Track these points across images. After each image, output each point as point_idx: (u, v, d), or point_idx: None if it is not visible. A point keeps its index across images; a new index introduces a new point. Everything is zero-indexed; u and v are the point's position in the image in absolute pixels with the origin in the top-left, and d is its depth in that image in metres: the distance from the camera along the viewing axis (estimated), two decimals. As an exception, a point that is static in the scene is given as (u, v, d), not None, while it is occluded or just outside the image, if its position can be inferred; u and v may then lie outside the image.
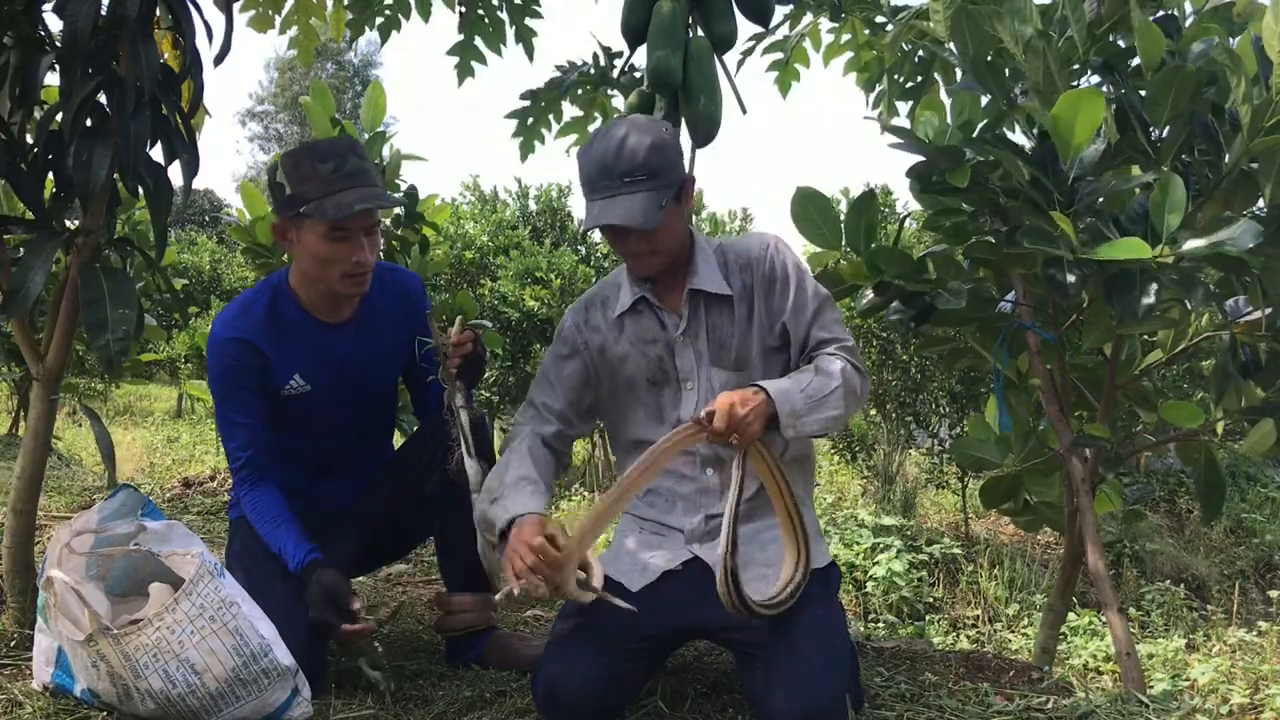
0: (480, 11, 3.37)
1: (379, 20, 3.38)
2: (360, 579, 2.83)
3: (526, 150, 3.49)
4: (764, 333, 1.93)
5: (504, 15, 3.40)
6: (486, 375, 5.85)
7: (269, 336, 2.03)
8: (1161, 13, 2.21)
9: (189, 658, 1.69)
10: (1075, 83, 2.16)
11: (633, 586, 1.88)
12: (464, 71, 3.47)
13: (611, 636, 1.80)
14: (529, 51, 3.47)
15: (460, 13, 3.37)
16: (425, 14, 3.40)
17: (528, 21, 3.42)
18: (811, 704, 1.66)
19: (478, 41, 3.43)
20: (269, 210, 2.98)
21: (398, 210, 3.30)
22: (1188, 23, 2.19)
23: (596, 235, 8.62)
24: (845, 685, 1.75)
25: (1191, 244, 1.88)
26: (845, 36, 3.46)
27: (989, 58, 2.22)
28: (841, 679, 1.75)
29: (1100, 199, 2.05)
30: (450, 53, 3.45)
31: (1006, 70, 2.22)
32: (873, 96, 3.36)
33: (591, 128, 3.50)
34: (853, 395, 1.85)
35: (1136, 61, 2.11)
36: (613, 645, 1.79)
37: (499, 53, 3.47)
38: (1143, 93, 2.03)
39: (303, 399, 2.08)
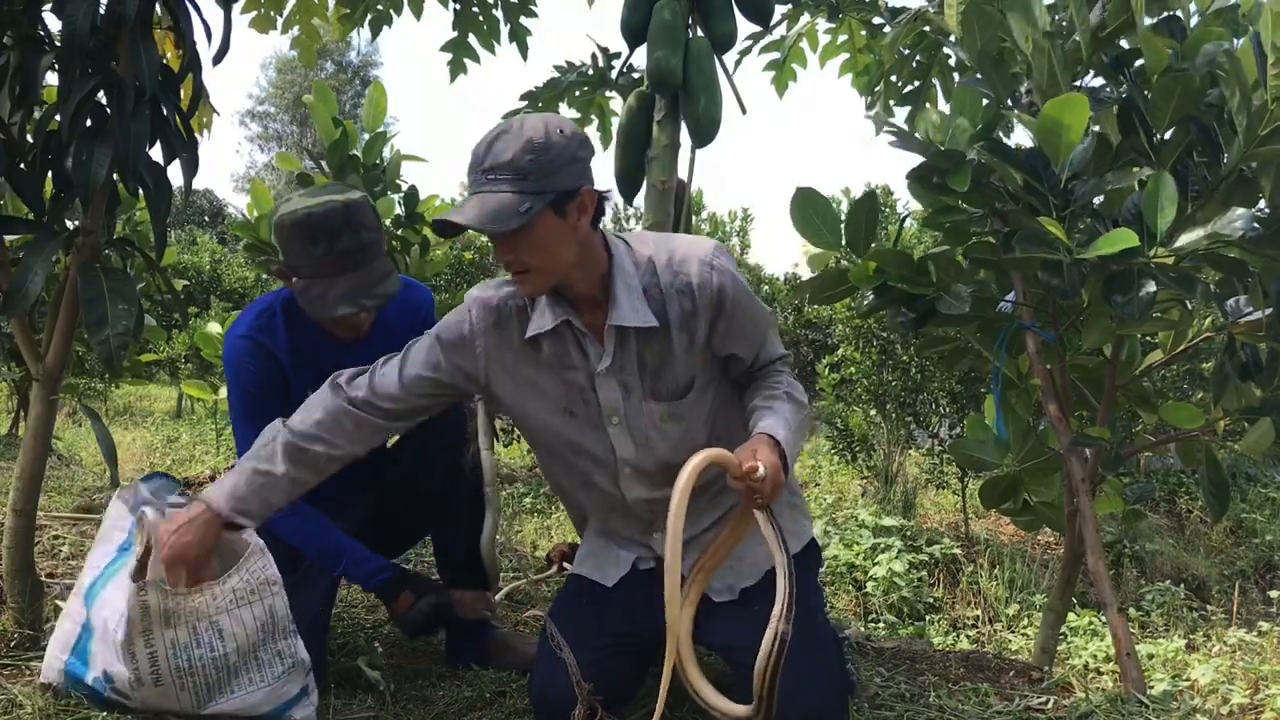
0: (475, 9, 3.37)
1: (370, 17, 3.38)
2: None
3: (525, 150, 3.48)
4: (707, 360, 1.76)
5: (499, 13, 3.40)
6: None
7: (286, 348, 2.05)
8: (1166, 14, 2.21)
9: (220, 622, 1.74)
10: (1078, 84, 2.17)
11: (607, 582, 1.84)
12: (457, 68, 3.47)
13: (594, 633, 1.78)
14: (523, 50, 3.48)
15: (454, 10, 3.37)
16: (418, 11, 3.40)
17: (522, 20, 3.42)
18: (813, 705, 1.64)
19: (471, 39, 3.43)
20: (273, 207, 2.98)
21: (398, 210, 3.31)
22: (1193, 23, 2.19)
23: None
24: (844, 683, 1.75)
25: (1186, 238, 1.88)
26: (842, 37, 3.46)
27: (996, 55, 2.22)
28: (834, 674, 1.74)
29: (1096, 199, 2.05)
30: (444, 49, 3.45)
31: (1012, 69, 2.23)
32: (869, 99, 3.36)
33: (589, 129, 3.51)
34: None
35: (1140, 63, 2.11)
36: (595, 645, 1.77)
37: (492, 50, 3.47)
38: (1147, 94, 2.03)
39: None
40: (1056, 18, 2.19)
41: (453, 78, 3.49)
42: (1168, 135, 2.05)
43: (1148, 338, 2.45)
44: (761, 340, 1.80)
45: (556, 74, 3.36)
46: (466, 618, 2.15)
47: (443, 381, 1.78)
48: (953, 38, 2.36)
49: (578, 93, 3.36)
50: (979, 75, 2.25)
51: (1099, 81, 2.26)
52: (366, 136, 3.40)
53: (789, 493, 1.85)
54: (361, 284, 1.94)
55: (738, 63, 3.47)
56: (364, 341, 2.12)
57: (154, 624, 1.71)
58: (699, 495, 1.72)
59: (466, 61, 3.45)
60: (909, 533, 5.69)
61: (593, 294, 1.71)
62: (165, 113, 2.06)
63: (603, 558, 1.89)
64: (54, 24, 2.03)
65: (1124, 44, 2.23)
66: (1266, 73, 1.83)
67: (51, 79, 2.08)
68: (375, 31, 3.43)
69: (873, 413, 7.00)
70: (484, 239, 8.39)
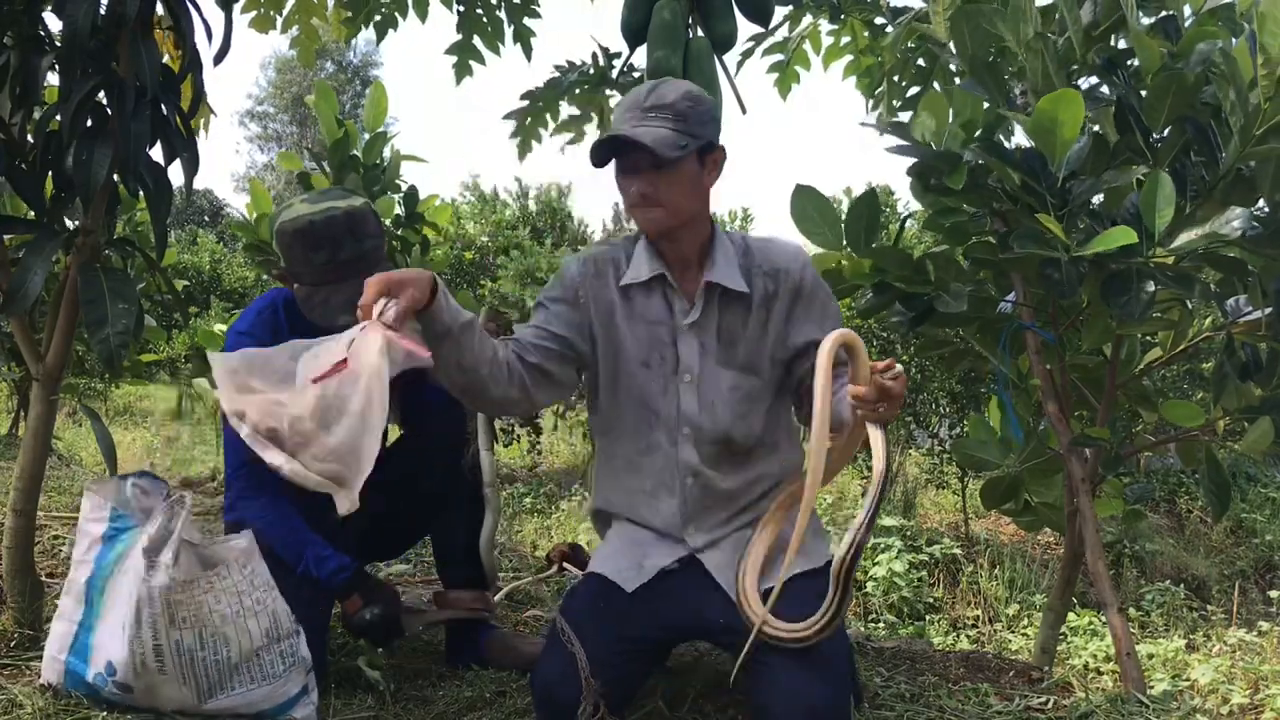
0: (479, 11, 3.37)
1: (375, 19, 3.38)
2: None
3: (524, 150, 3.49)
4: (778, 344, 1.85)
5: (502, 15, 3.40)
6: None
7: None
8: (1163, 13, 2.21)
9: (226, 633, 1.74)
10: (1074, 83, 2.16)
11: (628, 587, 1.82)
12: (462, 71, 3.47)
13: (608, 634, 1.76)
14: (527, 51, 3.48)
15: (459, 12, 3.38)
16: (422, 14, 3.40)
17: (526, 21, 3.43)
18: (814, 706, 1.64)
19: (476, 41, 3.43)
20: (272, 207, 2.98)
21: (398, 210, 3.31)
22: (1188, 23, 2.19)
23: (595, 231, 8.62)
24: (846, 684, 1.75)
25: (1184, 237, 1.88)
26: (845, 39, 3.46)
27: (989, 58, 2.22)
28: (842, 679, 1.73)
29: (1094, 198, 2.05)
30: (448, 52, 3.45)
31: (1007, 71, 2.23)
32: (872, 101, 3.36)
33: (588, 126, 3.51)
34: None
35: (1136, 62, 2.11)
36: (608, 647, 1.75)
37: (497, 52, 3.47)
38: (1142, 93, 2.03)
39: None
40: (1057, 16, 2.19)
41: (458, 80, 3.49)
42: (1164, 134, 2.05)
43: (1147, 337, 2.45)
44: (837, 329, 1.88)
45: (557, 74, 3.36)
46: (463, 617, 2.16)
47: (559, 335, 1.83)
48: (948, 45, 2.36)
49: (578, 92, 3.36)
50: (973, 80, 2.25)
51: (1094, 81, 2.26)
52: (367, 136, 3.40)
53: (813, 517, 1.87)
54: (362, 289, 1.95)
55: (740, 65, 3.47)
56: None
57: (159, 616, 1.72)
58: (731, 501, 1.85)
59: (471, 63, 3.46)
60: (909, 533, 5.70)
61: (690, 255, 1.84)
62: (166, 113, 2.06)
63: (626, 561, 1.86)
64: (55, 24, 2.04)
65: (1119, 43, 2.23)
66: (1258, 71, 1.83)
67: (52, 79, 2.08)
68: (380, 35, 3.43)
69: (873, 413, 7.00)
70: (485, 238, 8.40)
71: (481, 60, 3.46)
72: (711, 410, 1.83)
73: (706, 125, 1.78)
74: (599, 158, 1.76)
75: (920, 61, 2.98)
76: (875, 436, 1.66)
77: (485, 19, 3.39)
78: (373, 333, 1.49)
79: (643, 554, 1.86)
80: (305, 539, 2.00)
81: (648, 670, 1.89)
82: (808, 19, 3.45)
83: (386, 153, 3.43)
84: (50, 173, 2.07)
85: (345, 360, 1.49)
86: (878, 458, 1.64)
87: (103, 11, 1.97)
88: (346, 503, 1.51)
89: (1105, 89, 2.23)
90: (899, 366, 1.61)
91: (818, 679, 1.65)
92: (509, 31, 3.44)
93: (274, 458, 1.54)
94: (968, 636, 5.00)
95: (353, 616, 2.01)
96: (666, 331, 1.84)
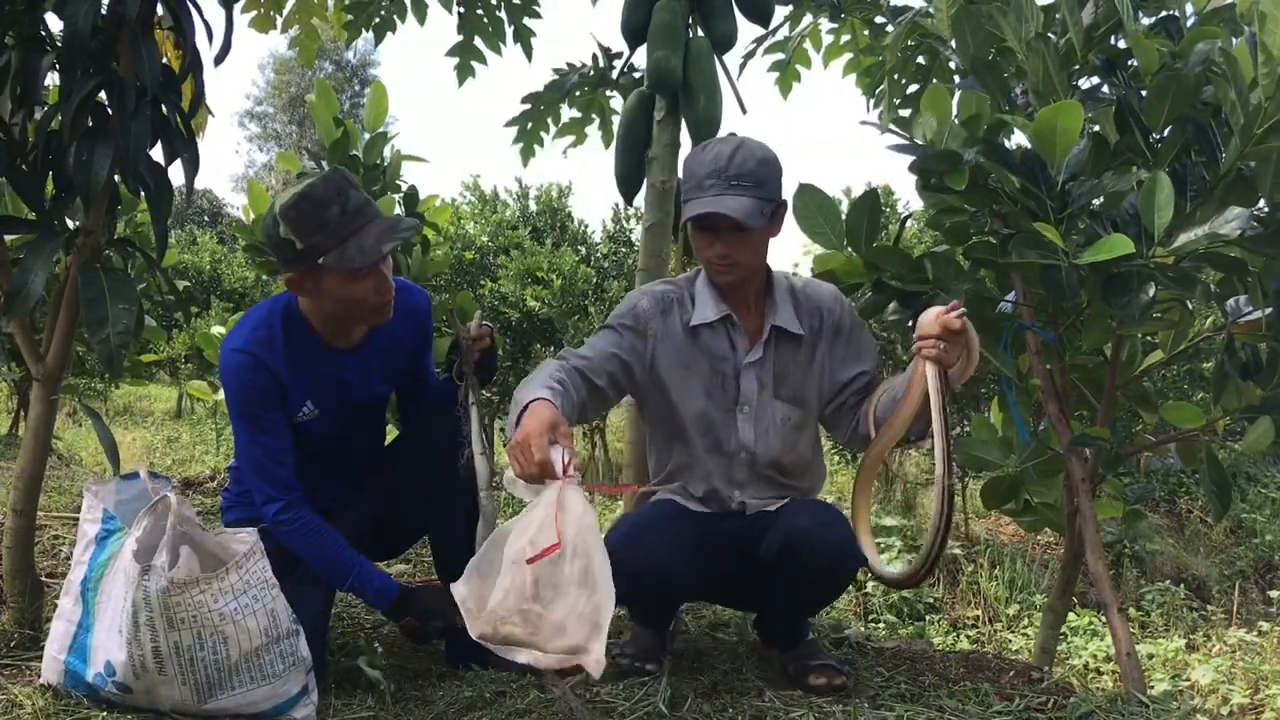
0: (479, 11, 3.37)
1: (375, 21, 3.38)
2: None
3: (527, 155, 3.50)
4: (822, 378, 2.10)
5: (503, 15, 3.40)
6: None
7: (284, 363, 2.02)
8: (1164, 14, 2.20)
9: (225, 631, 1.74)
10: (1074, 83, 2.16)
11: (692, 504, 2.09)
12: (464, 72, 3.47)
13: (683, 518, 2.04)
14: (527, 52, 3.48)
15: (459, 13, 3.37)
16: (421, 17, 3.40)
17: (526, 21, 3.42)
18: (831, 539, 1.93)
19: (477, 41, 3.43)
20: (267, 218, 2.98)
21: (398, 210, 3.30)
22: (1189, 23, 2.19)
23: (595, 231, 8.62)
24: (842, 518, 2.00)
25: (1185, 238, 1.88)
26: (845, 38, 3.46)
27: (990, 57, 2.22)
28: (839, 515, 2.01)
29: (1094, 201, 2.05)
30: (450, 54, 3.45)
31: (1008, 69, 2.22)
32: (872, 100, 3.36)
33: (590, 129, 3.51)
34: None
35: (1134, 62, 2.11)
36: (685, 522, 2.02)
37: (498, 52, 3.47)
38: (1142, 93, 2.03)
39: (312, 422, 2.10)
40: (1057, 16, 2.18)
41: (460, 81, 3.49)
42: (1165, 134, 2.05)
43: (1148, 338, 2.45)
44: (875, 361, 2.16)
45: (557, 75, 3.36)
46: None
47: (622, 359, 2.02)
48: (949, 43, 2.36)
49: (578, 93, 3.36)
50: (974, 79, 2.24)
51: (1095, 81, 2.26)
52: (367, 136, 3.40)
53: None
54: (388, 224, 1.95)
55: (743, 66, 3.47)
56: (364, 348, 2.12)
57: (157, 619, 1.72)
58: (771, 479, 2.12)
59: (473, 64, 3.46)
60: (909, 533, 5.70)
61: (750, 298, 2.08)
62: (166, 113, 2.06)
63: (684, 492, 2.12)
64: (55, 24, 2.04)
65: (1119, 44, 2.22)
66: (1259, 71, 1.83)
67: (53, 79, 2.09)
68: (379, 38, 3.43)
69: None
70: (485, 239, 8.40)
71: (483, 61, 3.46)
72: (766, 438, 2.07)
73: (778, 187, 1.99)
74: (707, 223, 1.95)
75: (920, 60, 2.98)
76: (931, 374, 1.83)
77: (486, 19, 3.39)
78: (570, 495, 1.55)
79: (685, 501, 2.12)
80: (349, 559, 2.04)
81: (709, 572, 2.07)
82: (808, 18, 3.45)
83: (387, 153, 3.42)
84: (51, 173, 2.07)
85: (558, 542, 1.52)
86: (934, 393, 1.82)
87: (103, 12, 1.97)
88: (597, 668, 1.52)
89: (1105, 89, 2.23)
90: (962, 308, 1.82)
91: (815, 511, 2.02)
92: (509, 31, 3.44)
93: (521, 656, 1.55)
94: (968, 636, 5.00)
95: (414, 633, 2.10)
96: (730, 367, 2.06)
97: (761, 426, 2.07)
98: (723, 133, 2.91)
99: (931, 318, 1.85)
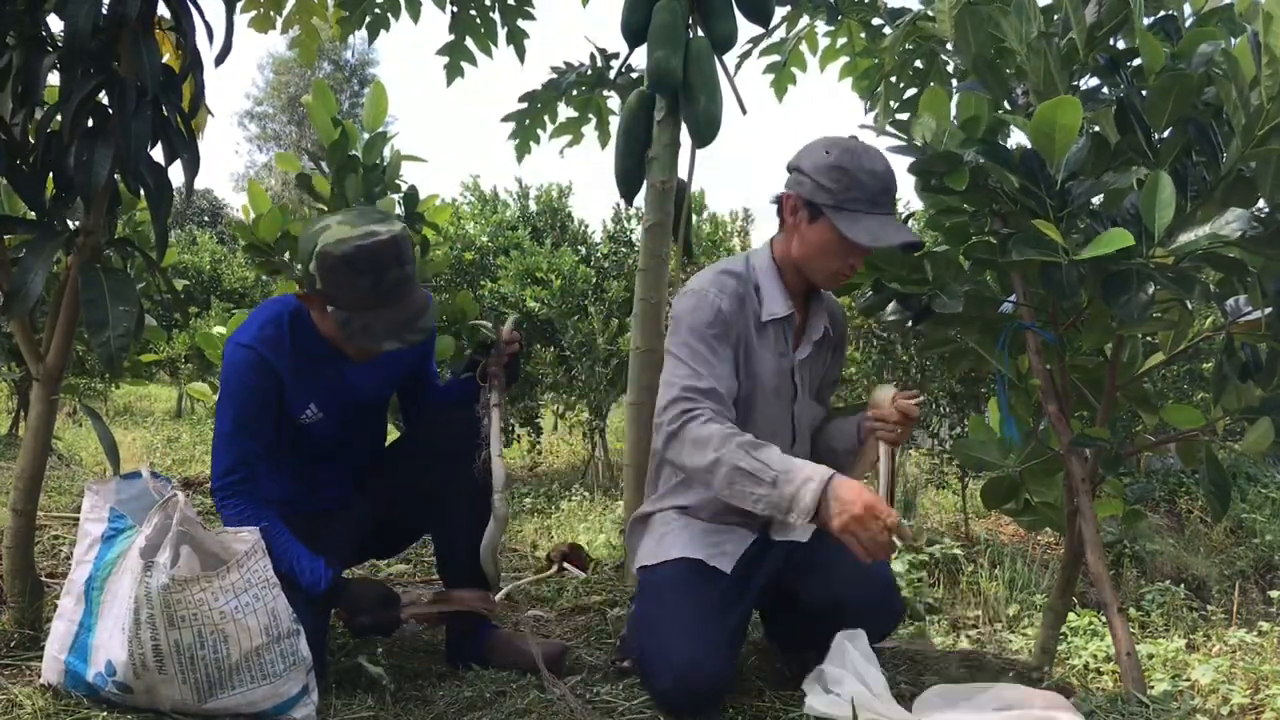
0: (472, 11, 3.37)
1: (368, 19, 3.38)
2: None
3: (522, 152, 3.50)
4: (822, 380, 2.22)
5: (495, 15, 3.40)
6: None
7: (289, 365, 2.02)
8: (1162, 13, 2.20)
9: (225, 629, 1.74)
10: (1076, 83, 2.16)
11: (726, 566, 2.00)
12: (453, 71, 3.47)
13: (718, 602, 1.93)
14: (520, 53, 3.48)
15: (451, 12, 3.37)
16: (415, 14, 3.40)
17: (519, 23, 3.42)
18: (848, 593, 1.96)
19: (468, 41, 3.43)
20: (271, 208, 2.98)
21: (398, 210, 3.30)
22: (1188, 23, 2.19)
23: (595, 231, 8.62)
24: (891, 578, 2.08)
25: (1185, 238, 1.88)
26: (841, 40, 3.46)
27: (991, 57, 2.22)
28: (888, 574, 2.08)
29: (1094, 199, 2.05)
30: (440, 52, 3.45)
31: (1008, 70, 2.22)
32: (870, 102, 3.36)
33: (586, 129, 3.51)
34: None
35: (1138, 62, 2.11)
36: (724, 609, 1.92)
37: (489, 53, 3.47)
38: (1144, 93, 2.03)
39: (315, 424, 2.10)
40: (1056, 17, 2.18)
41: (449, 81, 3.49)
42: (1166, 135, 2.05)
43: (1148, 338, 2.45)
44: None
45: (555, 74, 3.36)
46: (466, 609, 2.15)
47: (737, 375, 2.02)
48: (949, 44, 2.36)
49: (575, 92, 3.36)
50: (975, 80, 2.24)
51: (1095, 82, 2.26)
52: (366, 136, 3.40)
53: None
54: (405, 317, 1.93)
55: (739, 66, 3.47)
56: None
57: (158, 616, 1.72)
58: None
59: (463, 64, 3.46)
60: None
61: (804, 295, 2.13)
62: (166, 113, 2.06)
63: (718, 539, 2.03)
64: (56, 24, 2.04)
65: (1120, 44, 2.22)
66: (1261, 71, 1.83)
67: (53, 79, 2.08)
68: (373, 35, 3.43)
69: (872, 413, 7.00)
70: (485, 239, 8.39)
71: (474, 61, 3.46)
72: (804, 433, 2.15)
73: None
74: (914, 248, 1.98)
75: (918, 63, 2.98)
76: (884, 454, 1.89)
77: (478, 19, 3.39)
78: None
79: (735, 528, 2.07)
80: (290, 550, 1.99)
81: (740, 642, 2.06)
82: (805, 20, 3.45)
83: (386, 153, 3.42)
84: (51, 173, 2.07)
85: None
86: (884, 472, 1.87)
87: (104, 11, 1.96)
88: None
89: (1105, 90, 2.23)
90: (922, 396, 1.87)
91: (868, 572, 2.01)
92: (503, 33, 3.44)
93: None
94: (968, 636, 5.00)
95: (349, 622, 2.07)
96: (788, 363, 2.09)
97: (802, 421, 2.13)
98: (722, 133, 2.92)
99: (888, 401, 1.90)
